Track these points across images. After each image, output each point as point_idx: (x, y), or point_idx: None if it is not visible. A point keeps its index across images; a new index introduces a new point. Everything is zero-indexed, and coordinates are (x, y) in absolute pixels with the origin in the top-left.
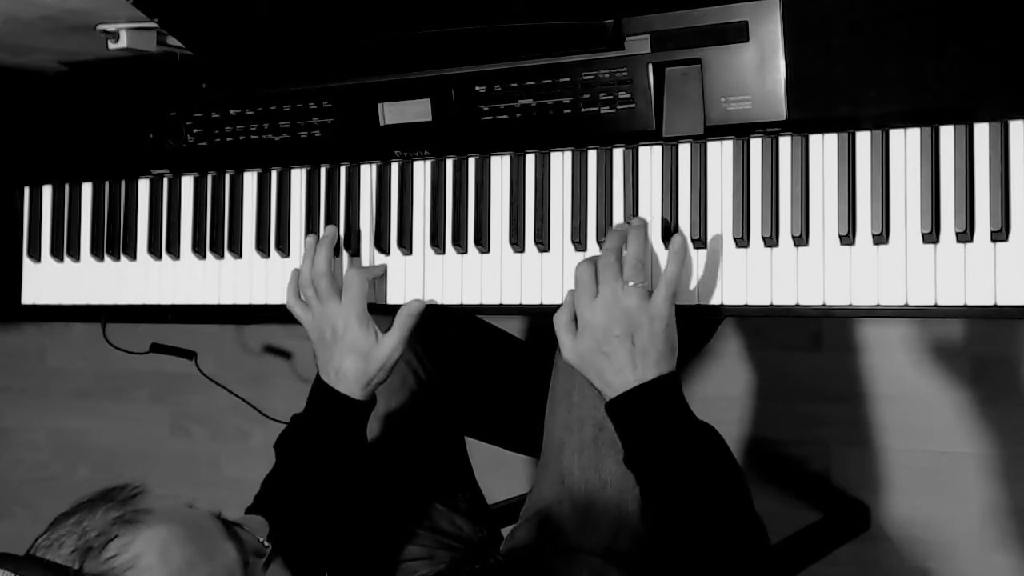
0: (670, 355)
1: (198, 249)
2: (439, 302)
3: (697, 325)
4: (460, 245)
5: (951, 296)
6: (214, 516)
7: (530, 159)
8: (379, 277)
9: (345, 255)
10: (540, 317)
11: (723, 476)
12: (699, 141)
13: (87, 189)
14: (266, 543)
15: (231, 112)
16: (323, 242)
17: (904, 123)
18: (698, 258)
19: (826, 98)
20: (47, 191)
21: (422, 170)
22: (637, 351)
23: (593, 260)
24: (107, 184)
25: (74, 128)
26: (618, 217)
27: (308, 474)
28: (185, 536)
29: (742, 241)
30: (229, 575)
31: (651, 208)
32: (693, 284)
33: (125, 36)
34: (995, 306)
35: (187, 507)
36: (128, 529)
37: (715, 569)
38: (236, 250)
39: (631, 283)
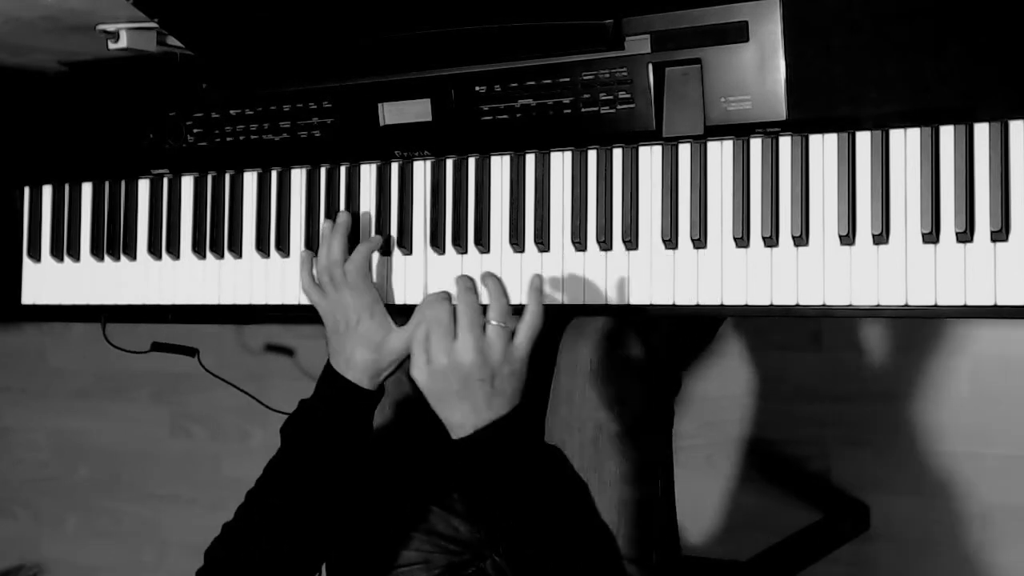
0: (520, 390)
1: (198, 249)
2: None
3: (698, 326)
4: (460, 245)
5: (951, 296)
6: None
7: (530, 159)
8: (376, 249)
9: None
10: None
11: (568, 493)
12: (699, 141)
13: (87, 189)
14: None
15: (231, 112)
16: (337, 229)
17: (904, 123)
18: (698, 258)
19: (826, 98)
20: (47, 191)
21: (422, 170)
22: (494, 392)
23: (446, 297)
24: (107, 184)
25: (74, 128)
26: (617, 217)
27: (311, 460)
28: None
29: (742, 241)
30: None
31: (651, 208)
32: (693, 285)
33: (125, 36)
34: (995, 306)
35: None
36: None
37: None
38: (236, 250)
39: (494, 322)
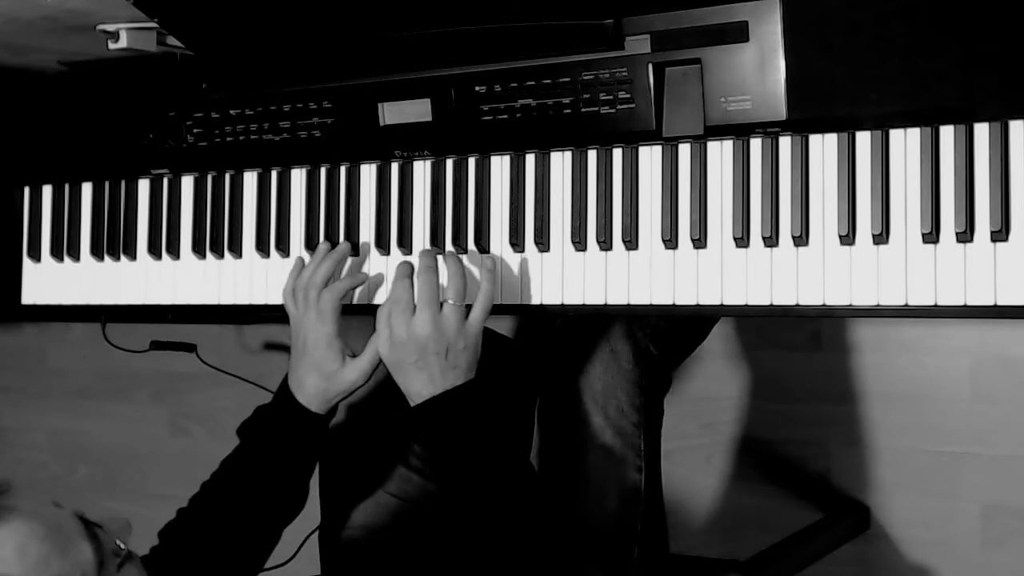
0: (474, 365)
1: (198, 249)
2: None
3: (689, 326)
4: (460, 245)
5: (951, 296)
6: (76, 516)
7: (530, 159)
8: (359, 285)
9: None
10: (535, 317)
11: (508, 466)
12: (699, 141)
13: (87, 189)
14: (122, 545)
15: (231, 112)
16: (331, 256)
17: (904, 123)
18: (698, 258)
19: (826, 98)
20: (47, 191)
21: (422, 170)
22: (448, 365)
23: (408, 274)
24: (107, 184)
25: (74, 128)
26: (617, 217)
27: (260, 468)
28: (44, 534)
29: (742, 241)
30: (83, 573)
31: (651, 208)
32: (693, 285)
33: (125, 36)
34: (995, 306)
35: (52, 505)
36: None
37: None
38: (236, 250)
39: (451, 301)
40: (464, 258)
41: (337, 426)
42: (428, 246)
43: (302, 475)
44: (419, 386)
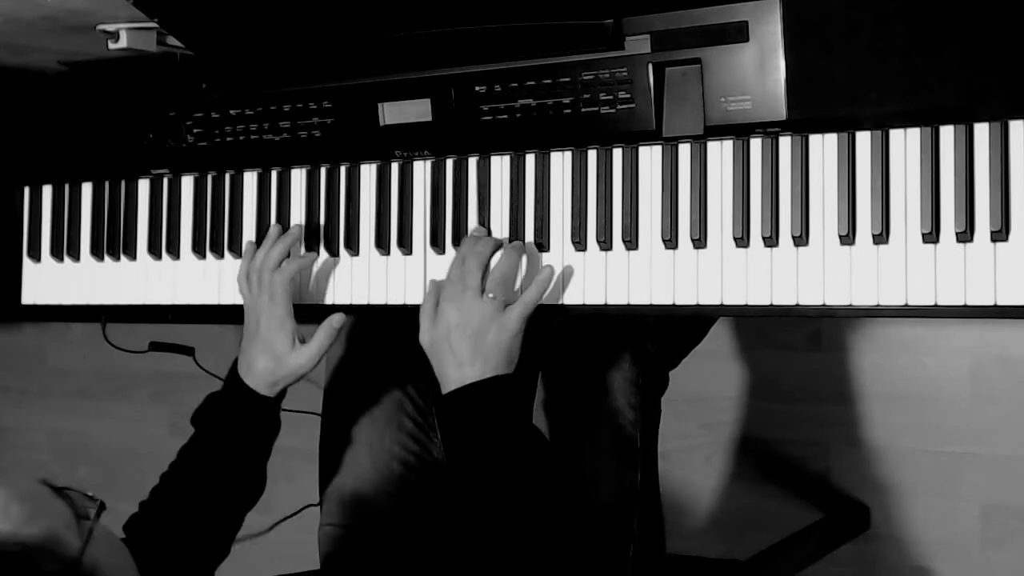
0: (508, 364)
1: (198, 249)
2: None
3: (687, 326)
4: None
5: (951, 296)
6: (40, 481)
7: (530, 159)
8: (306, 268)
9: (345, 255)
10: (534, 316)
11: (539, 475)
12: (699, 141)
13: (87, 189)
14: (94, 496)
15: (231, 112)
16: (284, 239)
17: (904, 123)
18: (698, 258)
19: (826, 98)
20: (47, 191)
21: (422, 170)
22: (480, 354)
23: (459, 262)
24: (107, 184)
25: (74, 128)
26: (617, 217)
27: (214, 454)
28: (19, 496)
29: (742, 241)
30: (66, 526)
31: (651, 208)
32: (693, 285)
33: (125, 36)
34: (995, 306)
35: (18, 478)
36: None
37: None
38: (236, 250)
39: (490, 295)
40: (524, 257)
41: (336, 404)
42: (428, 246)
43: (257, 459)
44: (449, 368)
